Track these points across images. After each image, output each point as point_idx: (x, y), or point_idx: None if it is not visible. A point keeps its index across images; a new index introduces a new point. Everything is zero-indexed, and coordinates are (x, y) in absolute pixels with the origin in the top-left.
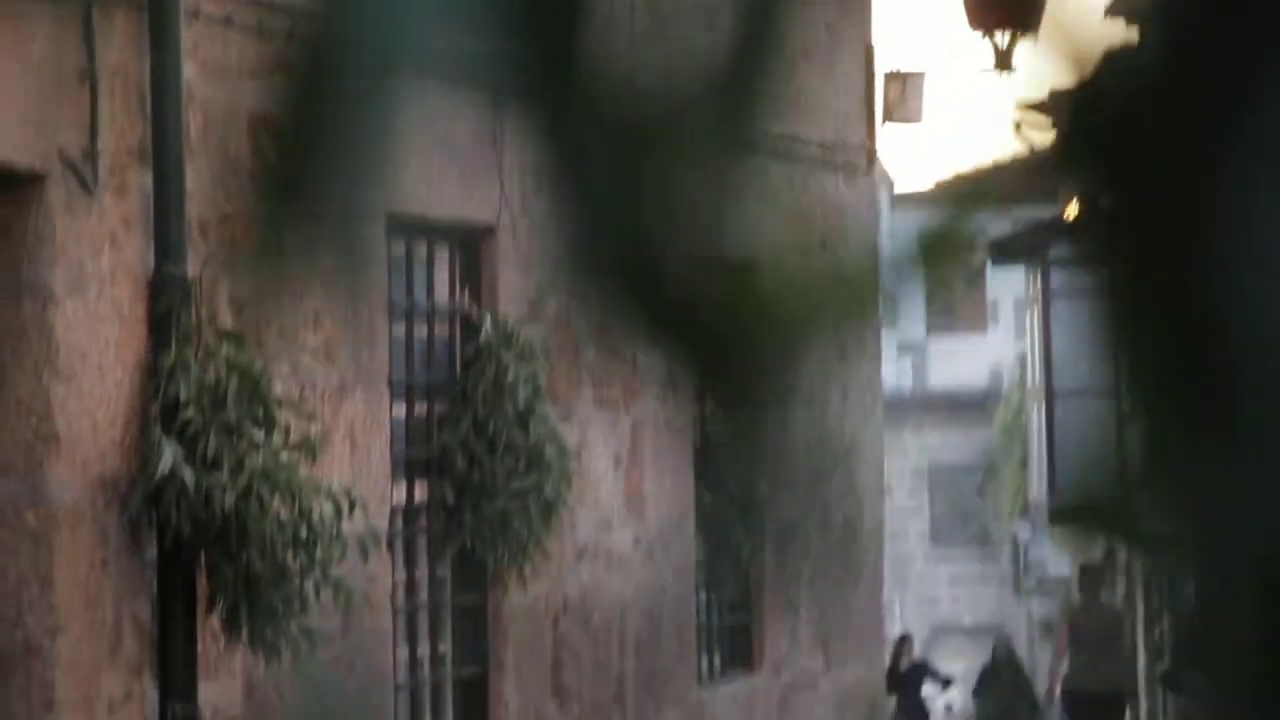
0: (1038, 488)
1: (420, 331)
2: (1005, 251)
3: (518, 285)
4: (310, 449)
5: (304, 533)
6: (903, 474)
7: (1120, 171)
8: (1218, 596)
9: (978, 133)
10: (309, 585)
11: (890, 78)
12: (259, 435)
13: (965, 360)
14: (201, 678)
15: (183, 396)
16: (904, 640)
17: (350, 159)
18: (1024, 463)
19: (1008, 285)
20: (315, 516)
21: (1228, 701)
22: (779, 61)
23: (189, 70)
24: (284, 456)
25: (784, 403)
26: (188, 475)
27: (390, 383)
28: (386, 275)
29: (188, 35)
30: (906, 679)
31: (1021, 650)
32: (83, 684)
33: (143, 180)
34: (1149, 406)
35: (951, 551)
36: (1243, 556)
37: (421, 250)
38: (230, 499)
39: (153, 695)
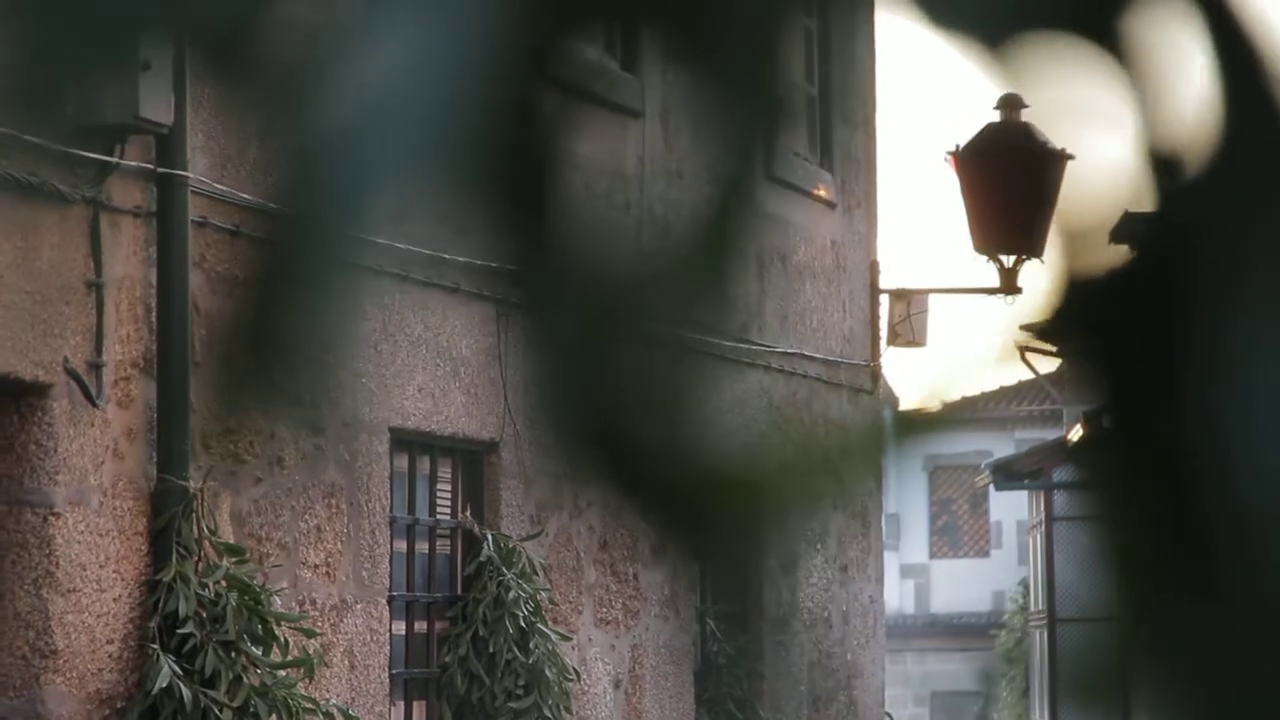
0: (1040, 715)
1: (422, 547)
2: (1008, 475)
3: (520, 502)
4: (309, 666)
5: None
6: (904, 699)
7: (1113, 392)
8: None
9: (982, 355)
10: None
11: (895, 297)
12: (257, 652)
13: (968, 584)
14: None
15: (182, 612)
16: None
17: (308, 361)
18: (1026, 690)
19: (1011, 509)
20: None
21: None
22: (738, 253)
23: (195, 281)
24: (282, 674)
25: (786, 625)
26: (185, 692)
27: (390, 599)
28: (389, 490)
29: (194, 245)
30: None
31: None
32: None
33: (147, 391)
34: (1145, 630)
35: None
36: None
37: (424, 465)
38: (228, 716)
39: None
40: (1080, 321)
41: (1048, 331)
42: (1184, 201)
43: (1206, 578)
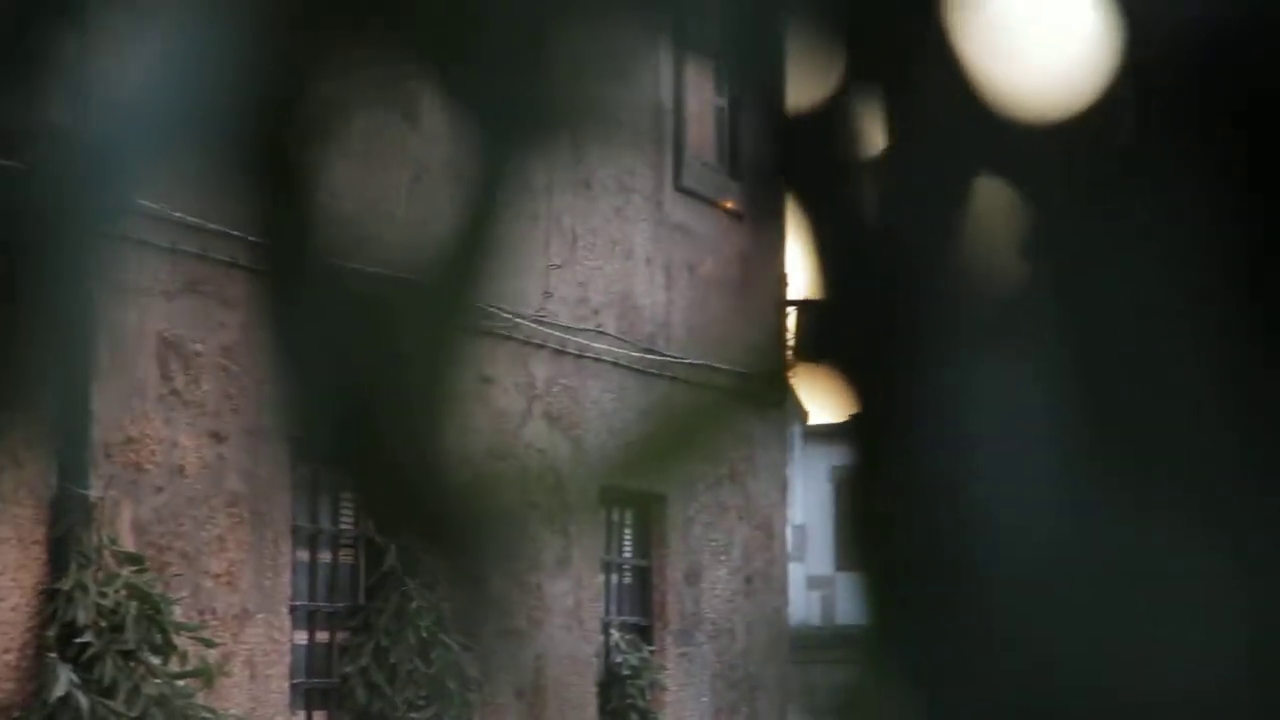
0: None
1: (324, 557)
2: None
3: None
4: (208, 676)
5: None
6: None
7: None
8: None
9: None
10: None
11: (802, 307)
12: (157, 661)
13: None
14: None
15: (80, 620)
16: None
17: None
18: None
19: None
20: None
21: None
22: (501, 245)
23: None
24: (181, 684)
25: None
26: (83, 701)
27: (292, 609)
28: (291, 499)
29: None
30: None
31: None
32: None
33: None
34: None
35: None
36: None
37: (327, 475)
38: None
39: None
40: (814, 348)
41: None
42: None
43: (935, 599)
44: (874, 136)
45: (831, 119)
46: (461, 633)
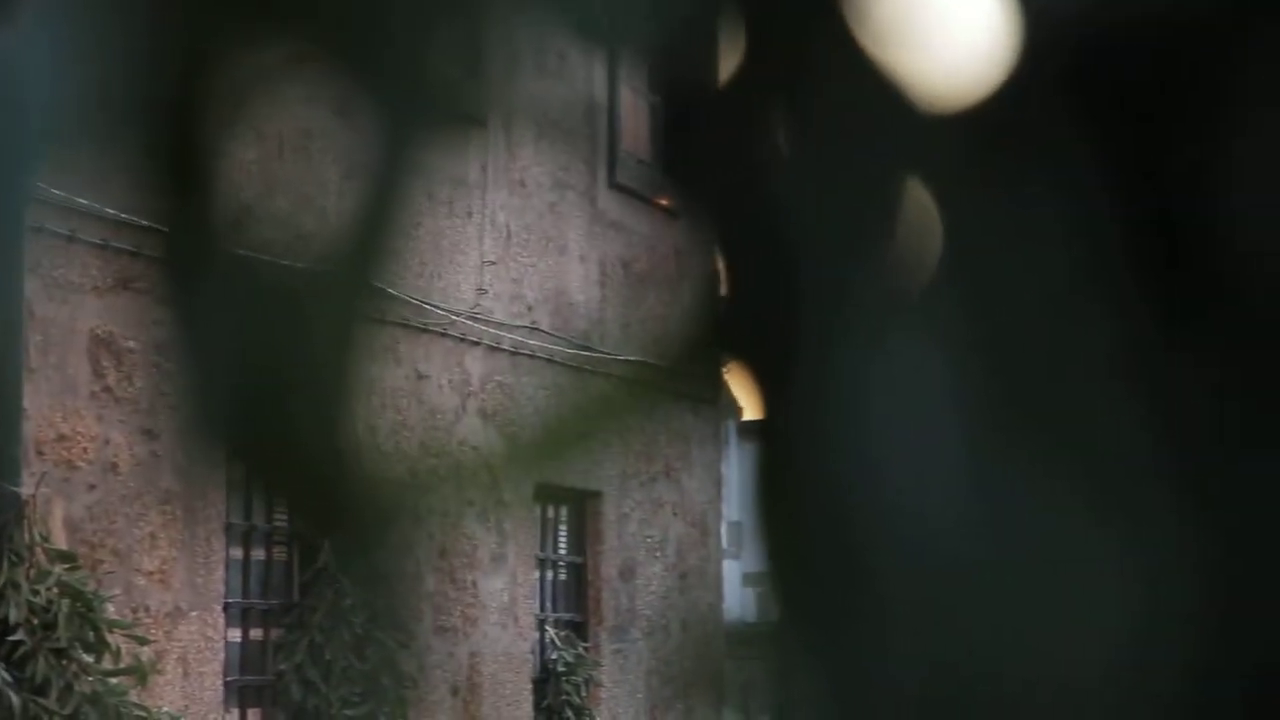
0: None
1: (258, 554)
2: None
3: None
4: (141, 674)
5: None
6: (746, 706)
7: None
8: None
9: None
10: None
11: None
12: (89, 659)
13: None
14: None
15: (12, 618)
16: None
17: None
18: None
19: None
20: None
21: None
22: (400, 230)
23: (29, 287)
24: (114, 682)
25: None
26: (15, 699)
27: (226, 606)
28: (225, 496)
29: (29, 251)
30: None
31: None
32: None
33: None
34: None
35: None
36: None
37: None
38: None
39: None
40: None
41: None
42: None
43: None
44: (773, 128)
45: (729, 112)
46: (381, 627)
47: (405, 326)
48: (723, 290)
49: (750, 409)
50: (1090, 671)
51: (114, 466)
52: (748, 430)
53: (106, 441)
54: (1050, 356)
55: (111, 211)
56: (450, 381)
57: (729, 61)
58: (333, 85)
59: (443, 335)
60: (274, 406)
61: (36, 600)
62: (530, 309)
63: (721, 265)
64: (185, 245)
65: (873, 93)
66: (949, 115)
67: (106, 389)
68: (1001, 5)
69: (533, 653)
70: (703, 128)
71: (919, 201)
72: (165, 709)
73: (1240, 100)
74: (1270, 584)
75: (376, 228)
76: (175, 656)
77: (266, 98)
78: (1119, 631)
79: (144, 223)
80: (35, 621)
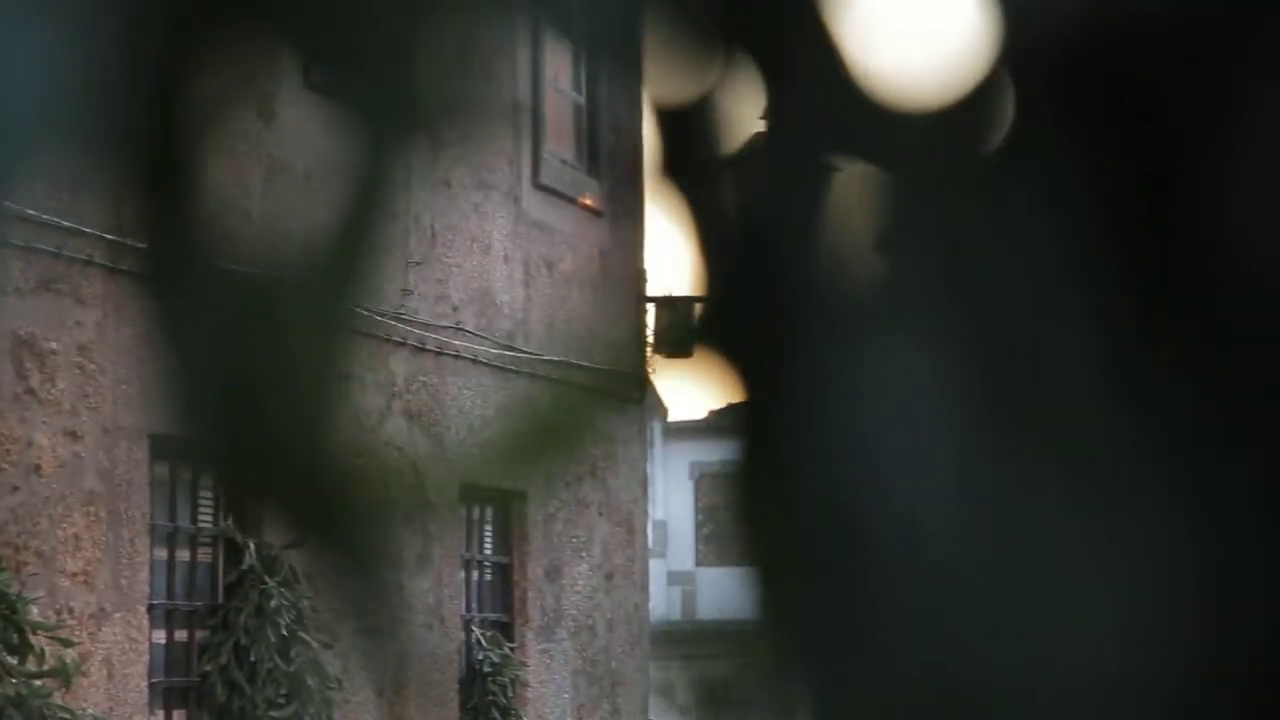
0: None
1: (183, 555)
2: None
3: None
4: (66, 676)
5: None
6: (671, 706)
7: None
8: None
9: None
10: None
11: (662, 305)
12: (14, 661)
13: (735, 591)
14: None
15: None
16: None
17: None
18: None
19: None
20: None
21: None
22: (378, 244)
23: None
24: (38, 683)
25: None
26: None
27: (150, 608)
28: (149, 498)
29: None
30: None
31: None
32: None
33: None
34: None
35: None
36: None
37: (186, 473)
38: None
39: None
40: (706, 335)
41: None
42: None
43: (817, 589)
44: (750, 127)
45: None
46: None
47: None
48: (701, 288)
49: (717, 408)
50: (1084, 671)
51: (37, 468)
52: (729, 428)
53: (29, 444)
54: (1040, 355)
55: (33, 213)
56: (375, 382)
57: (706, 62)
58: (297, 92)
59: (367, 336)
60: (257, 412)
61: None
62: (455, 309)
63: (700, 263)
64: (167, 253)
65: (851, 93)
66: (930, 113)
67: (29, 391)
68: (981, 2)
69: (459, 653)
70: (681, 127)
71: (900, 200)
72: (90, 711)
73: (1238, 100)
74: (1263, 581)
75: (357, 232)
76: (100, 658)
77: (238, 105)
78: (1112, 630)
79: (66, 224)
80: None
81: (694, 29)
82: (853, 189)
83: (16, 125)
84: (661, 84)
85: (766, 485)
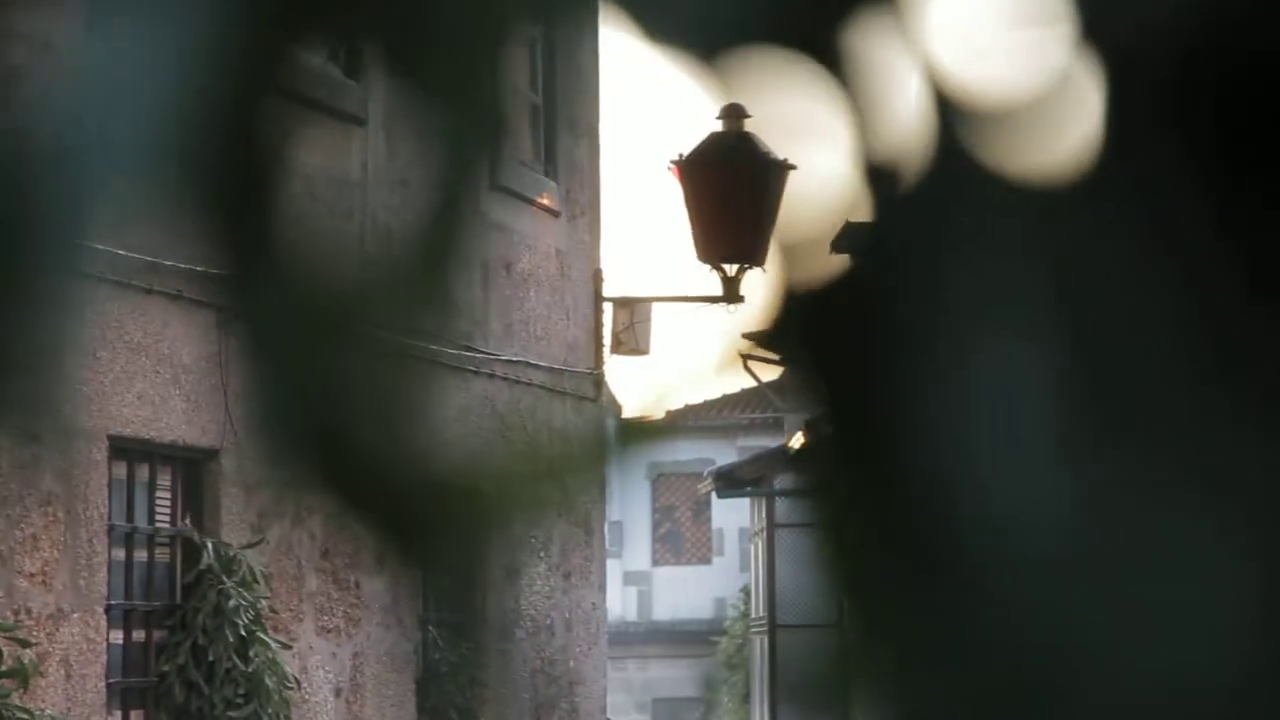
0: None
1: (140, 556)
2: (730, 483)
3: (241, 510)
4: (23, 676)
5: None
6: (626, 705)
7: (832, 399)
8: None
9: (705, 363)
10: None
11: (619, 305)
12: None
13: (690, 591)
14: None
15: None
16: None
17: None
18: (746, 695)
19: (733, 516)
20: None
21: None
22: (459, 262)
23: None
24: None
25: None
26: None
27: (108, 608)
28: (107, 498)
29: None
30: None
31: None
32: None
33: None
34: (870, 633)
35: None
36: None
37: (143, 473)
38: None
39: None
40: (799, 330)
41: (768, 340)
42: (898, 212)
43: (925, 581)
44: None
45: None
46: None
47: None
48: (780, 291)
49: (813, 407)
50: (1201, 669)
51: None
52: (810, 428)
53: None
54: (1149, 355)
55: None
56: None
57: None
58: (382, 102)
59: None
60: (349, 426)
61: None
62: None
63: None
64: (257, 280)
65: (942, 93)
66: (1030, 117)
67: None
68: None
69: (416, 653)
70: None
71: (1008, 204)
72: (48, 711)
73: None
74: None
75: (442, 246)
76: (57, 658)
77: (319, 117)
78: (1229, 628)
79: None
80: None
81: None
82: (963, 196)
83: (100, 162)
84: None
85: (873, 490)
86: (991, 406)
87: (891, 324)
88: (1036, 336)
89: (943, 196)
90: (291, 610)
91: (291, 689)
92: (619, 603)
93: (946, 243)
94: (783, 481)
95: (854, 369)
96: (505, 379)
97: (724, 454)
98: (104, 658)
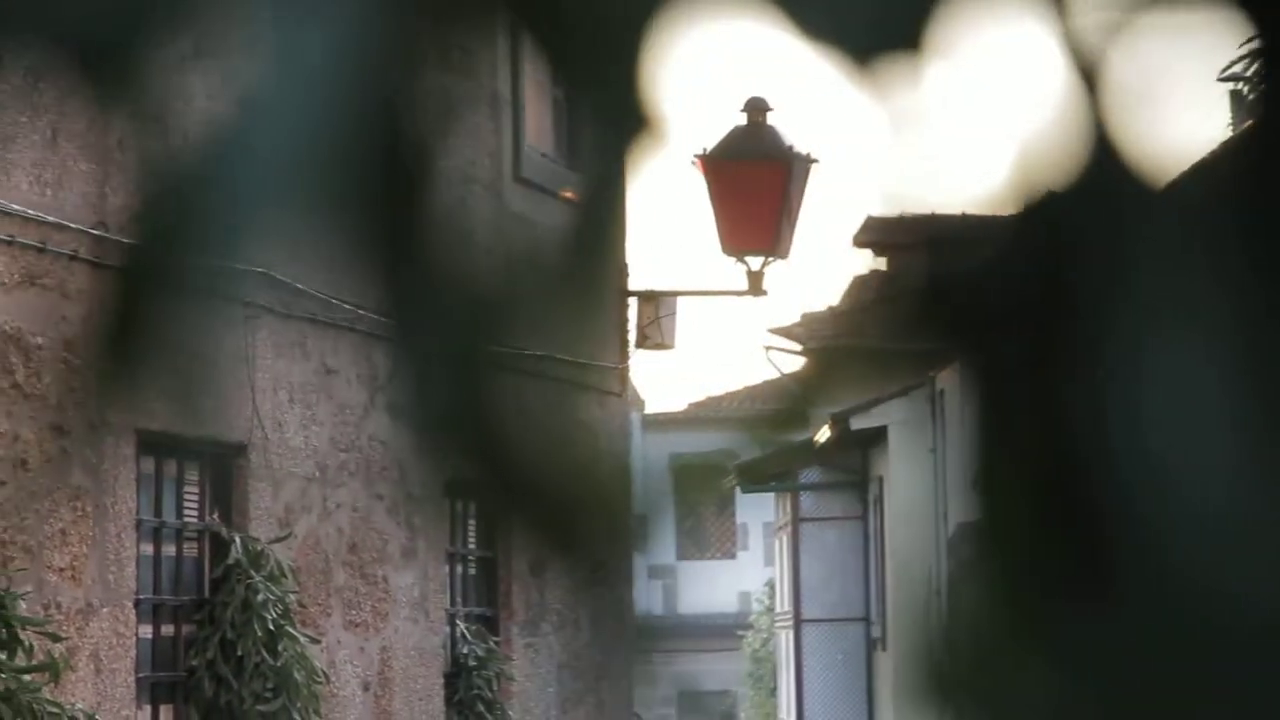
0: (786, 714)
1: (169, 550)
2: (754, 477)
3: (268, 505)
4: (54, 671)
5: None
6: (651, 699)
7: (993, 392)
8: None
9: (728, 356)
10: None
11: (643, 300)
12: (2, 656)
13: (715, 585)
14: None
15: None
16: None
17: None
18: (773, 689)
19: (757, 511)
20: None
21: None
22: (619, 234)
23: None
24: (27, 678)
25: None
26: None
27: (137, 602)
28: (135, 493)
29: None
30: None
31: None
32: None
33: None
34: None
35: None
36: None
37: (171, 468)
38: None
39: None
40: (963, 320)
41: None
42: (1053, 203)
43: (1095, 578)
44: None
45: None
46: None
47: (313, 321)
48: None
49: (980, 393)
50: None
51: (24, 463)
52: (981, 424)
53: (16, 438)
54: None
55: (17, 208)
56: (358, 376)
57: None
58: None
59: (350, 330)
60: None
61: None
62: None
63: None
64: (414, 295)
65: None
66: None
67: (15, 385)
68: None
69: (444, 647)
70: None
71: (1188, 213)
72: (79, 706)
73: None
74: None
75: (599, 234)
76: (87, 653)
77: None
78: None
79: (50, 219)
80: None
81: None
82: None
83: (254, 186)
84: None
85: (1054, 484)
86: (1180, 407)
87: (1055, 316)
88: (1230, 335)
89: (1101, 188)
90: (319, 605)
91: (320, 683)
92: (644, 597)
93: (1134, 239)
94: (807, 476)
95: (1022, 362)
96: (529, 374)
97: (746, 445)
98: (133, 652)
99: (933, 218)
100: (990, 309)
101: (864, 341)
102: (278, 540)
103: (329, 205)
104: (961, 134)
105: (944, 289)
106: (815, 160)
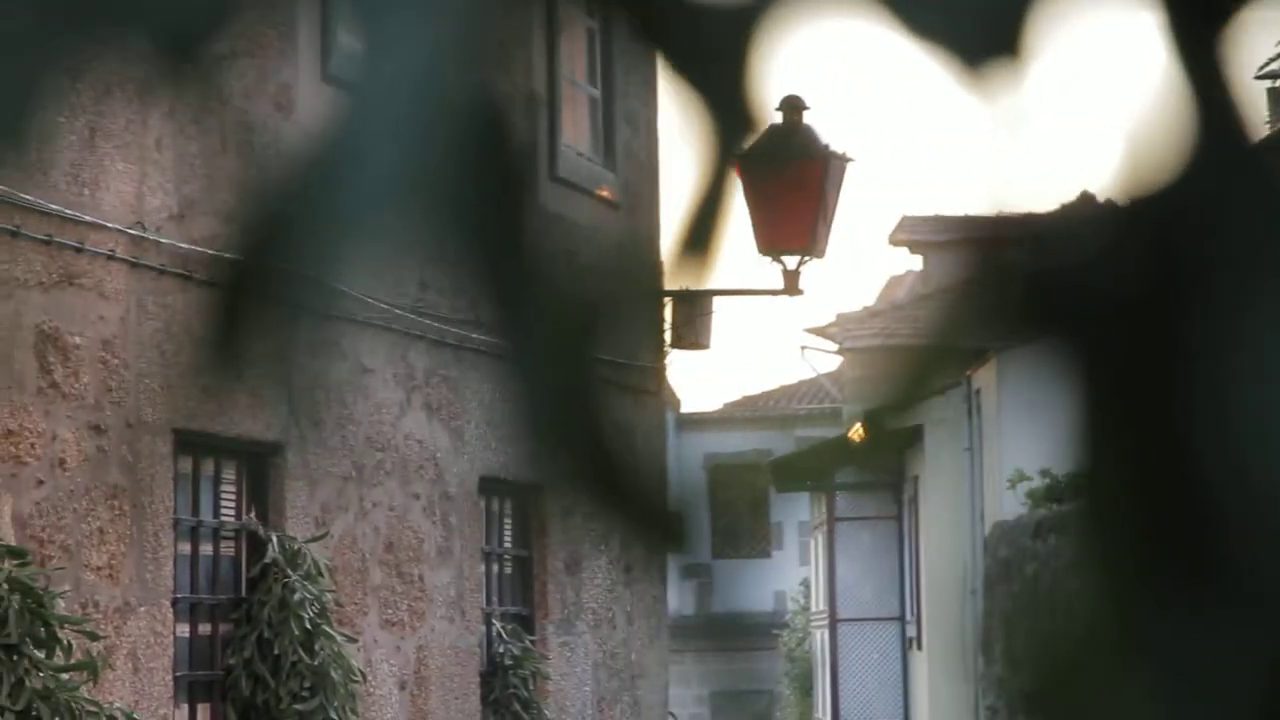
0: (822, 713)
1: (206, 549)
2: (789, 476)
3: (305, 504)
4: (92, 669)
5: None
6: (686, 698)
7: (1098, 391)
8: None
9: (764, 355)
10: None
11: (679, 299)
12: (40, 655)
13: (750, 584)
14: None
15: None
16: None
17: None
18: (808, 689)
19: (791, 509)
20: None
21: None
22: (725, 231)
23: None
24: (65, 677)
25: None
26: None
27: (174, 601)
28: (173, 492)
29: None
30: None
31: None
32: None
33: None
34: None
35: None
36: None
37: (209, 467)
38: None
39: None
40: (1059, 318)
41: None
42: (1157, 198)
43: (1208, 581)
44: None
45: None
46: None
47: (350, 321)
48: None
49: (1089, 404)
50: None
51: (62, 462)
52: (1092, 409)
53: (54, 437)
54: None
55: (55, 207)
56: (395, 375)
57: None
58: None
59: (387, 329)
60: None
61: None
62: (474, 303)
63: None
64: (518, 293)
65: None
66: None
67: (53, 385)
68: None
69: (480, 646)
70: None
71: None
72: (116, 704)
73: None
74: None
75: (707, 233)
76: (125, 652)
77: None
78: None
79: (88, 219)
80: None
81: None
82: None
83: (346, 207)
84: None
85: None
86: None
87: (1168, 316)
88: None
89: (1211, 182)
90: (356, 604)
91: (357, 682)
92: (677, 596)
93: (1221, 232)
94: (842, 475)
95: (1127, 361)
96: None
97: (782, 444)
98: (171, 651)
99: (968, 218)
100: (1105, 302)
101: (942, 339)
102: (314, 539)
103: (438, 218)
104: (1066, 130)
105: (1046, 283)
106: (851, 159)
